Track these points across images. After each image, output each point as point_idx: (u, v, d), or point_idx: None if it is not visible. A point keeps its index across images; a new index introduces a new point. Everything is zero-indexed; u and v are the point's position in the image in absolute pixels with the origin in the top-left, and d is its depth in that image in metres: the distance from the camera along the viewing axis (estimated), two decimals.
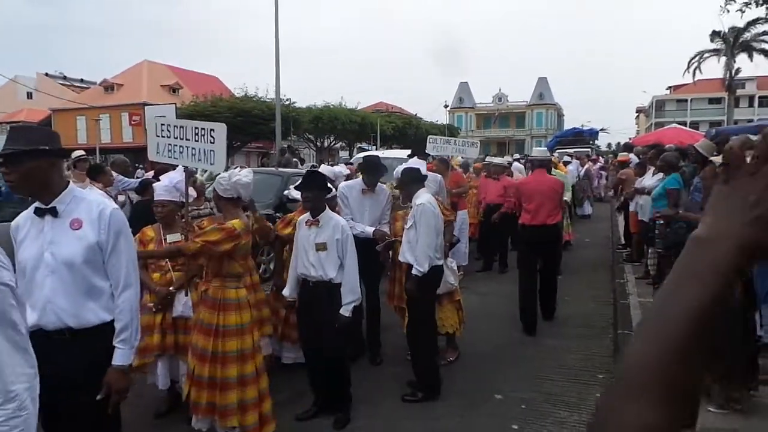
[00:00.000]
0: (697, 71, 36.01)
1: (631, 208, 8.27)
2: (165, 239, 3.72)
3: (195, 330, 3.31)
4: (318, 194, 3.64)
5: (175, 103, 21.07)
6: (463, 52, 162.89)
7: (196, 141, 3.60)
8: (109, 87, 42.64)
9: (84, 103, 40.67)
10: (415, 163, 5.00)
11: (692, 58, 35.87)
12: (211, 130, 3.55)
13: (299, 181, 3.85)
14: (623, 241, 9.72)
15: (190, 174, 7.23)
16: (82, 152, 7.94)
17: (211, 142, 3.53)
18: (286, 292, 3.84)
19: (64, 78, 53.77)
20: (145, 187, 6.08)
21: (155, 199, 3.82)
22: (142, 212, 5.81)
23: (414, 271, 3.96)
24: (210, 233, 3.14)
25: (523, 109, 72.93)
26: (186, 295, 3.66)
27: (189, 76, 44.51)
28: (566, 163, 13.25)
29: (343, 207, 4.77)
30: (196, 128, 3.62)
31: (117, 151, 33.51)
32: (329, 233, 3.57)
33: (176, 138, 3.70)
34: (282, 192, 7.23)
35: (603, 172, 19.21)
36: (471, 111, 75.19)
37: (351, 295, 3.59)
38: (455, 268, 4.73)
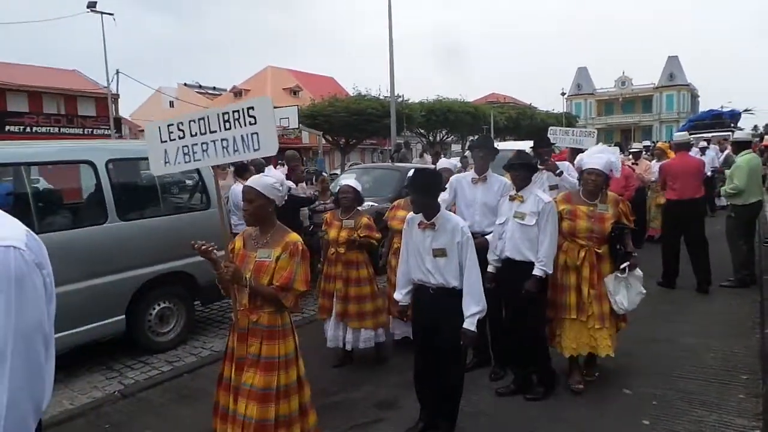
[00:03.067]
0: None
1: None
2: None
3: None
4: (427, 198, 3.24)
5: (298, 105, 22.47)
6: (579, 36, 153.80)
7: (227, 129, 3.00)
8: (237, 93, 46.35)
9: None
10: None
11: None
12: (248, 108, 2.94)
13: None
14: None
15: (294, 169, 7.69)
16: None
17: (251, 123, 2.93)
18: (397, 295, 3.52)
19: (200, 87, 59.17)
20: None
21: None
22: (278, 207, 6.39)
23: (538, 271, 3.74)
24: (298, 280, 2.76)
25: (650, 92, 67.36)
26: None
27: (308, 78, 47.02)
28: (703, 149, 12.14)
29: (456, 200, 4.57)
30: (224, 114, 3.00)
31: None
32: (448, 237, 3.21)
33: (194, 135, 3.10)
34: (402, 186, 7.47)
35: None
36: (591, 97, 70.99)
37: (475, 306, 3.16)
38: (640, 273, 4.05)
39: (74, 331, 4.44)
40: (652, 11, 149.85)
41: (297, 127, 20.26)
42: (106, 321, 4.70)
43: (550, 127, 8.12)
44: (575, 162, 4.41)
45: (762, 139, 15.12)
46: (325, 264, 4.72)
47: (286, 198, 3.01)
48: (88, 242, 4.58)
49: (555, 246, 3.83)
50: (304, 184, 8.12)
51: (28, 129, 29.94)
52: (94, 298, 4.56)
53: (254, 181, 2.87)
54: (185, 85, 57.48)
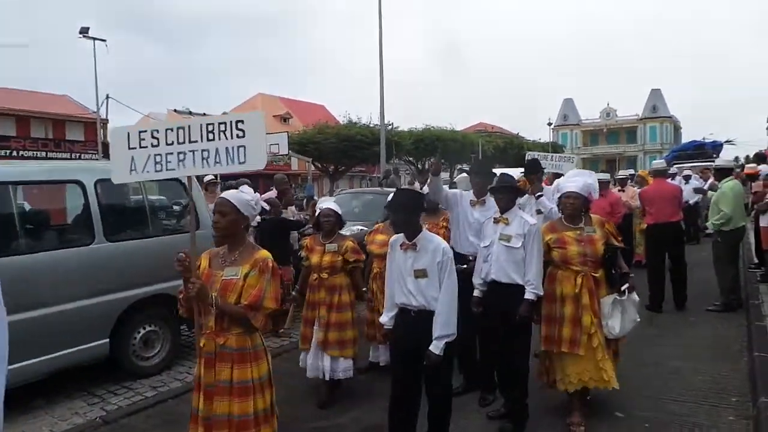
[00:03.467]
0: None
1: (763, 223, 7.59)
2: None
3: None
4: (408, 216, 3.21)
5: (287, 132, 22.61)
6: (565, 68, 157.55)
7: (209, 140, 2.90)
8: None
9: None
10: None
11: None
12: (237, 122, 2.87)
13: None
14: (756, 260, 8.88)
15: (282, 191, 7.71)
16: (212, 177, 8.83)
17: (238, 137, 2.85)
18: (383, 319, 3.45)
19: (190, 113, 59.32)
20: (270, 205, 6.64)
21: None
22: (267, 231, 6.38)
23: (530, 295, 3.66)
24: (268, 297, 2.65)
25: (634, 123, 68.82)
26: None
27: (298, 105, 47.39)
28: (687, 178, 12.36)
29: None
30: (208, 125, 2.92)
31: (234, 177, 36.28)
32: (429, 258, 3.15)
33: (171, 144, 2.98)
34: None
35: None
36: (576, 128, 72.31)
37: (443, 329, 3.05)
38: (636, 298, 3.92)
39: (57, 354, 4.35)
40: (636, 41, 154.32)
41: (287, 153, 20.36)
42: (89, 344, 4.60)
43: (528, 152, 8.32)
44: (552, 187, 4.42)
45: (743, 168, 15.43)
46: (307, 291, 4.54)
47: (257, 219, 2.97)
48: (74, 263, 4.52)
49: (541, 268, 3.75)
50: (294, 208, 8.12)
51: (14, 153, 29.73)
52: (79, 320, 4.48)
53: (230, 194, 2.77)
54: (175, 110, 57.68)
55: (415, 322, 3.18)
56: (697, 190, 11.61)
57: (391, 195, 3.32)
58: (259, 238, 6.37)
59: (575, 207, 3.81)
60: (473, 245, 4.34)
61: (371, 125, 29.73)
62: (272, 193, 7.69)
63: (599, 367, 3.67)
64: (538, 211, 5.12)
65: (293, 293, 4.83)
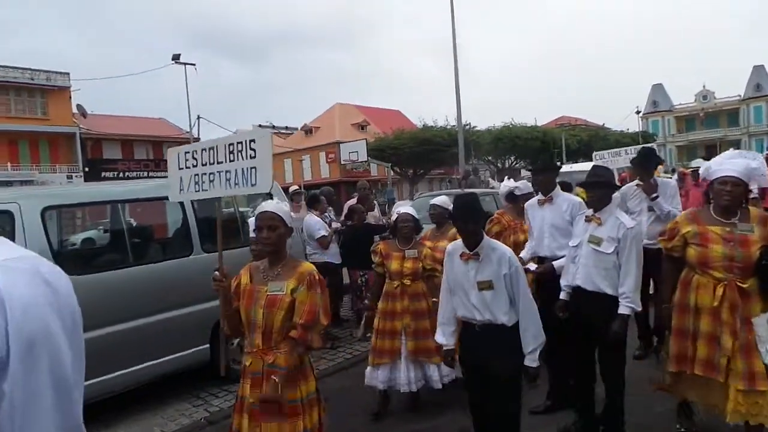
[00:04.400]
0: None
1: None
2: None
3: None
4: (475, 223, 2.97)
5: (365, 139, 23.05)
6: (653, 51, 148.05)
7: (230, 161, 2.90)
8: (308, 131, 48.17)
9: (289, 147, 46.56)
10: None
11: None
12: (250, 141, 2.83)
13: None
14: None
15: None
16: (297, 187, 9.17)
17: (251, 157, 2.81)
18: (440, 338, 3.19)
19: (273, 127, 61.99)
20: (351, 213, 6.77)
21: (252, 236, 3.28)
22: (352, 237, 6.50)
23: (625, 309, 3.24)
24: (323, 314, 2.60)
25: (735, 104, 63.25)
26: None
27: (374, 112, 48.12)
28: None
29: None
30: (230, 145, 2.90)
31: (317, 186, 37.54)
32: (494, 268, 2.90)
33: (204, 164, 3.03)
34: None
35: None
36: (668, 114, 67.63)
37: (534, 341, 2.89)
38: None
39: (165, 359, 4.67)
40: (732, 20, 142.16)
41: (366, 160, 20.72)
42: (192, 350, 4.90)
43: (595, 153, 7.88)
44: (701, 173, 3.53)
45: None
46: (380, 300, 4.30)
47: (335, 226, 2.87)
48: (176, 273, 4.84)
49: (640, 279, 3.34)
50: (377, 212, 8.21)
51: (121, 174, 32.54)
52: (182, 327, 4.79)
53: (276, 207, 2.65)
54: (259, 125, 60.55)
55: (479, 337, 2.96)
56: None
57: (455, 203, 3.08)
58: (344, 245, 6.52)
59: (734, 196, 2.95)
60: (550, 248, 4.13)
61: (448, 127, 29.54)
62: (353, 201, 7.83)
63: (744, 400, 2.85)
64: (650, 209, 4.70)
65: (366, 301, 4.60)
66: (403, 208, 4.46)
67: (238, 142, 2.87)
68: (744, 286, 2.90)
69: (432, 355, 4.06)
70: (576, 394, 3.65)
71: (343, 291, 6.98)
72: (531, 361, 2.88)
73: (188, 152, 3.11)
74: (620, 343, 3.36)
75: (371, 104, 50.77)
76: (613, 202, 3.52)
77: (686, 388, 3.16)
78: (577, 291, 3.50)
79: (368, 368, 4.26)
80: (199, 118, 31.75)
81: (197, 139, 34.65)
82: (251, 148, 2.82)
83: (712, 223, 3.02)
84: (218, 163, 2.96)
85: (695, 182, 7.66)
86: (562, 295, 3.61)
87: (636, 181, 4.86)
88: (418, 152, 29.04)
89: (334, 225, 6.75)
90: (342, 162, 22.58)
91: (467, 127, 29.70)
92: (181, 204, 4.99)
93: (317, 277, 2.58)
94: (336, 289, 6.64)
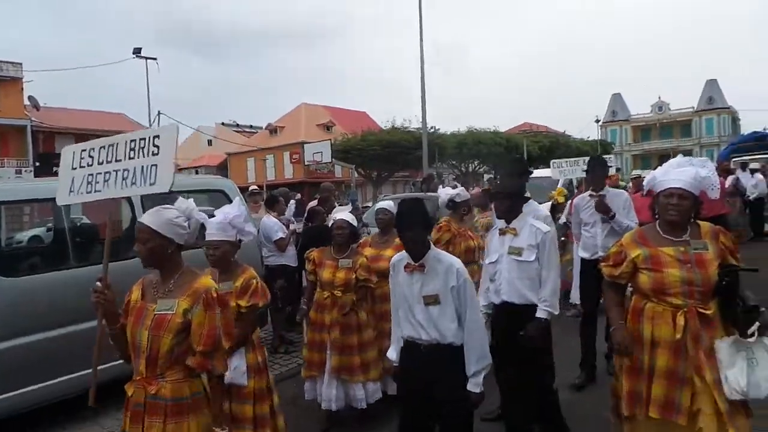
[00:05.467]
0: None
1: None
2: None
3: None
4: (420, 232, 2.72)
5: (330, 139, 22.89)
6: (614, 63, 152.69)
7: (130, 158, 2.65)
8: (273, 130, 47.58)
9: (253, 146, 45.91)
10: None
11: None
12: (154, 137, 2.60)
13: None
14: None
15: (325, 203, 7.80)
16: (255, 187, 9.01)
17: (153, 154, 2.59)
18: (390, 354, 2.99)
19: (237, 125, 61.16)
20: (312, 215, 6.67)
21: (207, 239, 3.12)
22: (312, 239, 6.39)
23: (542, 313, 3.19)
24: (224, 336, 2.29)
25: (688, 116, 65.89)
26: (239, 358, 3.03)
27: (340, 113, 47.96)
28: (753, 171, 11.69)
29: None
30: (132, 141, 2.66)
31: (279, 186, 37.20)
32: (440, 281, 2.67)
33: (101, 163, 2.76)
34: (433, 215, 7.36)
35: None
36: (626, 123, 69.91)
37: (478, 362, 2.65)
38: None
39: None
40: (689, 35, 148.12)
41: (330, 161, 20.57)
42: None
43: (552, 161, 7.96)
44: (645, 183, 3.12)
45: None
46: (311, 310, 4.10)
47: (195, 236, 2.43)
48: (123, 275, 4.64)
49: (559, 281, 3.30)
50: None
51: None
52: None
53: (148, 217, 2.32)
54: (223, 124, 59.49)
55: (425, 359, 2.71)
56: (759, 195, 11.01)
57: (399, 210, 2.82)
58: (303, 247, 6.41)
59: (681, 210, 2.59)
60: (604, 246, 4.24)
61: (413, 129, 29.70)
62: (315, 202, 7.74)
63: None
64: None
65: (302, 306, 4.33)
66: (340, 214, 4.22)
67: (141, 139, 2.62)
68: (708, 312, 2.53)
69: (355, 373, 3.89)
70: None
71: (300, 294, 6.86)
72: (474, 385, 2.65)
73: (85, 150, 2.82)
74: (542, 353, 3.28)
75: (338, 105, 50.62)
76: (525, 211, 3.41)
77: None
78: (502, 307, 3.38)
79: (307, 382, 4.14)
80: (159, 114, 30.99)
81: None
82: (154, 145, 2.57)
83: (662, 243, 2.64)
84: (116, 161, 2.69)
85: (636, 191, 7.82)
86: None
87: (589, 192, 4.78)
88: (383, 154, 29.08)
89: (292, 227, 6.64)
90: (306, 162, 22.35)
91: (432, 130, 29.91)
92: (130, 204, 4.81)
93: (215, 295, 2.25)
94: (293, 292, 6.53)
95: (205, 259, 3.17)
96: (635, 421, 2.67)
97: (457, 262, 2.75)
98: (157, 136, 2.60)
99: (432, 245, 2.81)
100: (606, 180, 4.86)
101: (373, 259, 4.18)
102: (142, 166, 2.59)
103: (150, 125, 30.44)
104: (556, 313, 3.28)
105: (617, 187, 9.27)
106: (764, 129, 26.00)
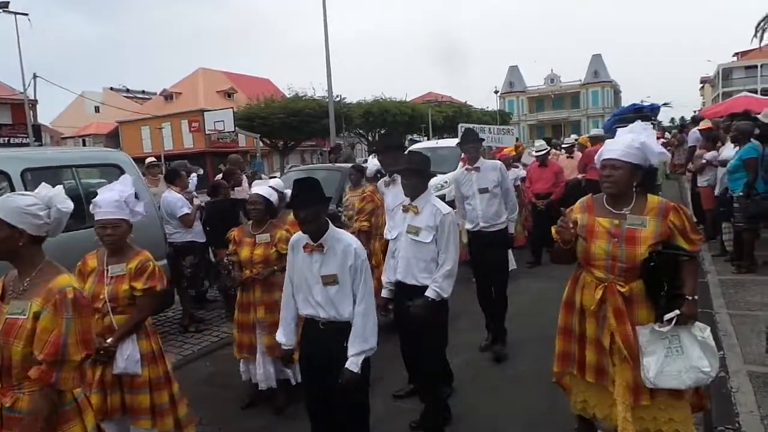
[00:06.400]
0: (766, 35, 33.88)
1: (700, 183, 7.93)
2: (107, 270, 2.92)
3: None
4: (315, 211, 2.64)
5: (232, 108, 21.89)
6: (510, 36, 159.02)
7: None
8: (168, 96, 44.62)
9: (147, 114, 42.79)
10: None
11: (760, 22, 33.73)
12: None
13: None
14: (695, 220, 9.32)
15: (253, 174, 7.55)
16: (153, 159, 8.45)
17: None
18: (281, 338, 2.90)
19: (127, 91, 56.67)
20: (215, 189, 6.38)
21: (100, 218, 2.91)
22: (216, 214, 6.14)
23: (431, 293, 3.15)
24: (71, 345, 1.95)
25: (577, 89, 70.65)
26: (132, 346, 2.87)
27: (242, 80, 45.91)
28: None
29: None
30: None
31: (179, 157, 35.22)
32: (338, 261, 2.65)
33: None
34: (342, 187, 7.35)
35: (667, 149, 18.19)
36: (522, 95, 73.59)
37: (361, 344, 2.62)
38: (711, 343, 2.48)
39: None
40: (578, 11, 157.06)
41: (233, 130, 19.74)
42: None
43: (460, 125, 8.18)
44: (596, 157, 2.82)
45: (683, 127, 16.13)
46: (238, 291, 4.02)
47: (59, 228, 2.13)
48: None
49: (456, 266, 3.23)
50: (247, 186, 7.88)
51: None
52: None
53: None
54: (111, 89, 54.80)
55: (324, 335, 2.70)
56: None
57: (295, 188, 2.69)
58: (207, 222, 6.15)
59: (614, 181, 2.53)
60: (485, 216, 4.44)
61: (318, 98, 29.16)
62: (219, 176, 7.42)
63: (637, 416, 2.50)
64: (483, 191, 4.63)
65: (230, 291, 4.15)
66: (256, 188, 4.05)
67: None
68: (623, 290, 2.51)
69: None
70: (423, 392, 3.53)
71: (209, 270, 6.61)
72: (352, 363, 2.59)
73: None
74: (429, 326, 3.21)
75: (239, 71, 48.36)
76: (429, 190, 3.37)
77: (581, 392, 2.80)
78: (398, 285, 3.38)
79: (241, 362, 4.07)
80: (35, 77, 27.84)
81: (33, 101, 30.41)
82: None
83: (601, 213, 2.61)
84: None
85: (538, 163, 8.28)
86: (384, 293, 3.50)
87: (465, 167, 4.83)
88: (289, 123, 28.27)
89: (197, 201, 6.32)
90: (207, 132, 21.24)
91: (338, 99, 29.56)
92: (9, 180, 4.31)
93: (70, 296, 1.94)
94: (202, 268, 6.27)
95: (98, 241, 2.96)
96: (570, 377, 2.81)
97: (355, 242, 2.73)
98: None
99: (330, 224, 2.74)
100: (485, 153, 4.91)
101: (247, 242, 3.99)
102: None
103: (24, 89, 27.33)
104: (446, 296, 3.20)
105: (519, 157, 9.78)
106: (641, 101, 28.39)
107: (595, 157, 2.79)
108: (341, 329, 2.65)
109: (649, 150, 2.53)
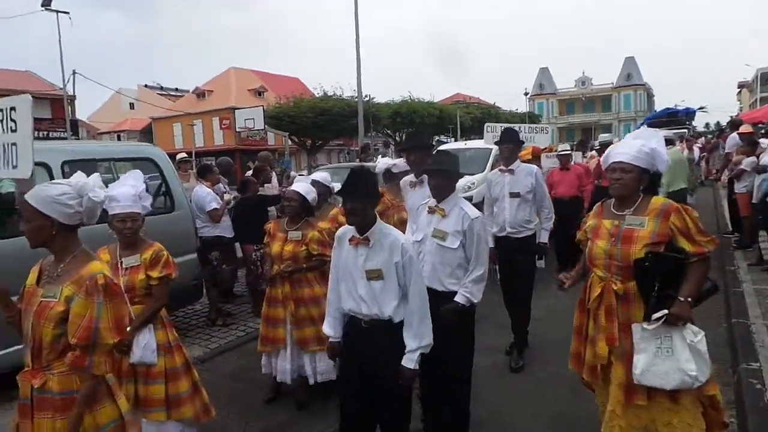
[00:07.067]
0: None
1: (738, 189, 7.70)
2: (122, 263, 2.97)
3: None
4: (361, 205, 2.60)
5: (262, 105, 22.11)
6: (542, 38, 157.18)
7: None
8: (200, 94, 45.37)
9: (180, 111, 43.66)
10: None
11: None
12: (11, 109, 2.27)
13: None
14: (730, 228, 9.05)
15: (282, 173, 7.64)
16: (184, 154, 8.61)
17: (12, 130, 2.27)
18: (327, 330, 2.86)
19: (161, 88, 57.86)
20: (245, 185, 6.48)
21: (119, 212, 2.94)
22: (245, 210, 6.23)
23: (461, 298, 3.06)
24: (103, 329, 2.04)
25: (609, 91, 69.37)
26: (148, 335, 2.91)
27: (272, 79, 46.41)
28: (671, 141, 12.41)
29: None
30: None
31: (210, 154, 35.91)
32: (385, 255, 2.59)
33: None
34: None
35: (701, 154, 17.71)
36: (552, 97, 72.61)
37: (416, 340, 2.56)
38: (702, 348, 2.42)
39: None
40: (611, 12, 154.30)
41: (262, 128, 19.97)
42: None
43: (487, 124, 7.99)
44: (602, 159, 2.92)
45: (721, 132, 15.65)
46: (268, 285, 4.07)
47: (94, 216, 2.19)
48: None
49: (486, 271, 3.14)
50: (276, 183, 7.97)
51: None
52: None
53: (32, 194, 2.08)
54: (146, 86, 56.06)
55: (367, 334, 2.64)
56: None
57: (347, 178, 2.67)
58: (236, 218, 6.24)
59: (623, 184, 2.59)
60: (512, 221, 4.41)
61: (347, 97, 29.29)
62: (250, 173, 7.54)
63: (632, 414, 2.51)
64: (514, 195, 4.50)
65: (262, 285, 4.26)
66: (296, 185, 4.11)
67: None
68: (615, 288, 2.57)
69: (309, 344, 3.85)
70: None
71: (237, 266, 6.70)
72: (408, 360, 2.56)
73: None
74: (462, 339, 3.13)
75: (269, 70, 48.92)
76: (456, 192, 3.26)
77: (599, 394, 2.81)
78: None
79: (263, 356, 4.11)
80: (74, 73, 28.71)
81: (72, 97, 31.34)
82: (12, 119, 2.22)
83: (607, 215, 2.70)
84: None
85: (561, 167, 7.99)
86: None
87: (499, 168, 4.75)
88: (317, 122, 28.53)
89: (227, 197, 6.42)
90: (237, 129, 21.53)
91: (367, 99, 29.65)
92: (49, 172, 4.45)
93: (101, 282, 2.02)
94: (229, 263, 6.37)
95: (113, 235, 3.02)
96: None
97: (403, 238, 2.67)
98: (14, 109, 2.23)
99: (379, 219, 2.70)
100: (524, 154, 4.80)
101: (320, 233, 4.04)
102: (3, 145, 2.25)
103: (64, 85, 28.17)
104: (476, 301, 3.12)
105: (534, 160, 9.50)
106: (675, 105, 27.75)
107: (602, 160, 2.85)
108: (384, 327, 2.61)
109: (658, 157, 2.59)
